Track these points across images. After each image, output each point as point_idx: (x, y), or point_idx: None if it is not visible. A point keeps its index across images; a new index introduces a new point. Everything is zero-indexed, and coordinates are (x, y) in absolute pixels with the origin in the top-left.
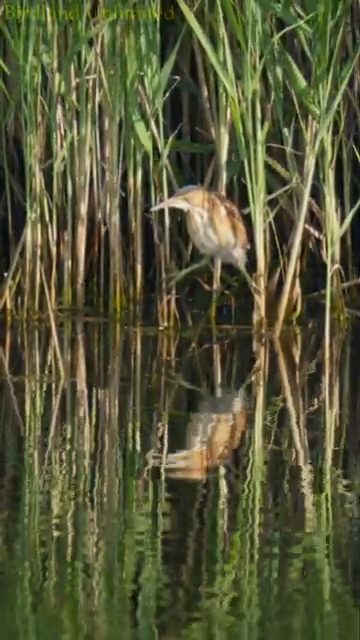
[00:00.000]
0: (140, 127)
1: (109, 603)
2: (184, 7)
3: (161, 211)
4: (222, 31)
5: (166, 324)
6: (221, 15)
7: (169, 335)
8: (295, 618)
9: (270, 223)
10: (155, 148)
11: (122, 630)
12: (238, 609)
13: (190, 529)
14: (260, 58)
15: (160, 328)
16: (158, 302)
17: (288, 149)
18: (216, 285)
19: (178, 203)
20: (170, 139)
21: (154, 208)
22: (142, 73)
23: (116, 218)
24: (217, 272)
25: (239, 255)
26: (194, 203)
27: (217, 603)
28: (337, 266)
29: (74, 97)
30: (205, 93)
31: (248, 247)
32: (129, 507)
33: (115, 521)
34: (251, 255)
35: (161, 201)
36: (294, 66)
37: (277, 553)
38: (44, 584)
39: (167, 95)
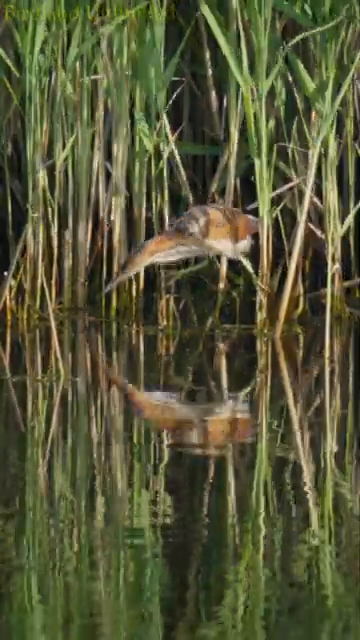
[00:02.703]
0: (145, 126)
1: (115, 605)
2: (201, 2)
3: (161, 210)
4: (237, 28)
5: (165, 323)
6: (238, 11)
7: (168, 334)
8: (301, 623)
9: (275, 221)
10: (158, 148)
11: (127, 628)
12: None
13: (194, 527)
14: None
15: (160, 327)
16: (158, 301)
17: (293, 147)
18: (222, 284)
19: (133, 271)
20: (174, 139)
21: (105, 290)
22: (147, 73)
23: (120, 217)
24: (222, 271)
25: (244, 246)
26: (148, 254)
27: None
28: (338, 265)
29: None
30: (212, 93)
31: (255, 231)
32: (131, 506)
33: (119, 521)
34: (254, 254)
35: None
36: (301, 66)
37: (278, 553)
38: (48, 581)
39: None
